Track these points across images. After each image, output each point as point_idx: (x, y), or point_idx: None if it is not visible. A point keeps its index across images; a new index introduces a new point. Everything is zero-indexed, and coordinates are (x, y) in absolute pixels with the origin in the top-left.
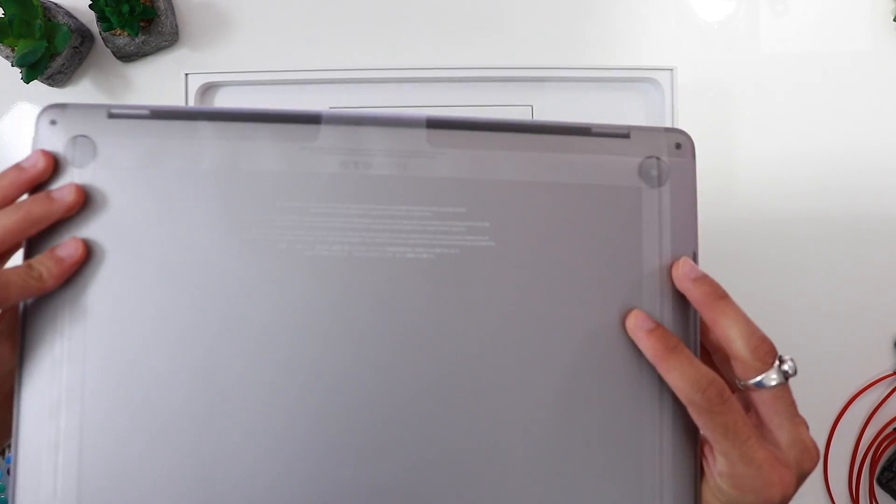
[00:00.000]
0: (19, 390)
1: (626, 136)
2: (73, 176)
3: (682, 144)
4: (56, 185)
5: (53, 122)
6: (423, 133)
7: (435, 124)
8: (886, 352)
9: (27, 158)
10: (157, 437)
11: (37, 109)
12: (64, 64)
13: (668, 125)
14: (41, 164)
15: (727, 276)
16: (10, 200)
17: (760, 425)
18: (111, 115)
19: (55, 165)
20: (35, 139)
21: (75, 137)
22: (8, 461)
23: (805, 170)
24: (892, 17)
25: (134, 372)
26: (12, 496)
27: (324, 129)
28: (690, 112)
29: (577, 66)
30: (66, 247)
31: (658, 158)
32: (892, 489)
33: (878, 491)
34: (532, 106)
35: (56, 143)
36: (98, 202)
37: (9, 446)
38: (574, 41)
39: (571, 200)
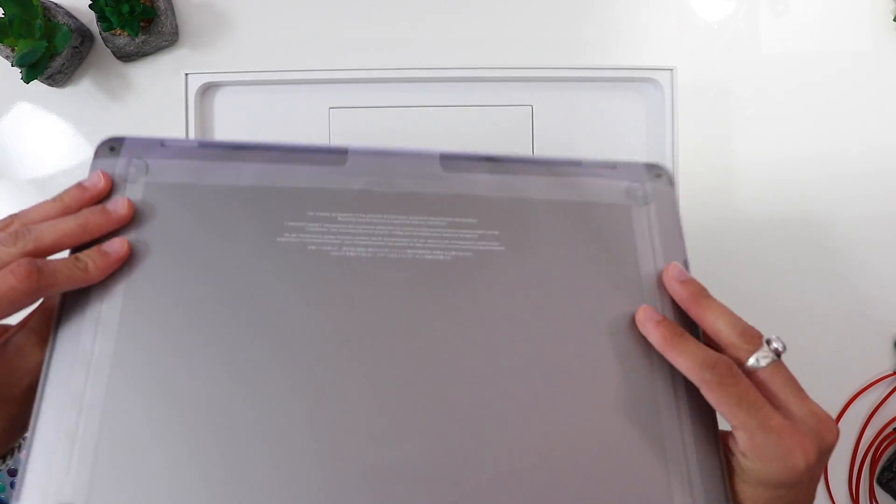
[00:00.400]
0: (45, 380)
1: (613, 167)
2: (125, 189)
3: (661, 175)
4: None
5: (112, 149)
6: (437, 160)
7: (447, 157)
8: (886, 352)
9: (89, 178)
10: (181, 433)
11: (37, 109)
12: (64, 64)
13: (668, 125)
14: (101, 183)
15: (727, 275)
16: (71, 214)
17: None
18: (163, 146)
19: (112, 185)
20: (94, 162)
21: (130, 159)
22: (16, 461)
23: (805, 170)
24: (893, 17)
25: (161, 372)
26: (20, 483)
27: (351, 157)
28: (690, 112)
29: (577, 66)
30: (112, 243)
31: (641, 183)
32: (892, 489)
33: (878, 491)
34: (532, 106)
35: (113, 165)
36: (145, 209)
37: (19, 446)
38: (574, 41)
39: (572, 214)
